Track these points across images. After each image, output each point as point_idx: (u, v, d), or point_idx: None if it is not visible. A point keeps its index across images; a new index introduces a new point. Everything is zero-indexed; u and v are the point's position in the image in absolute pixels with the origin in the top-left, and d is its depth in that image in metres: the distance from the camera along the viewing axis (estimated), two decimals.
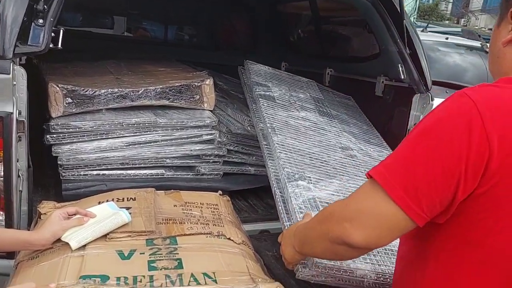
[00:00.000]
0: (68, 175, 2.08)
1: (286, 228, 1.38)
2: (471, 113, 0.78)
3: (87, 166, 2.11)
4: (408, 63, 2.14)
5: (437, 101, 2.03)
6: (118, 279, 1.15)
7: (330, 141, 2.01)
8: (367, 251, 0.98)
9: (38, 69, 2.35)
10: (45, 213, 1.51)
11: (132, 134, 2.16)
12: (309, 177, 1.67)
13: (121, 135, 2.14)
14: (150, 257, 1.26)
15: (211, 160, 2.35)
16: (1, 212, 1.60)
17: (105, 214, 1.37)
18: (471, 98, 0.79)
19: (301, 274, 1.24)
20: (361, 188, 0.90)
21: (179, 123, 2.24)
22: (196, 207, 1.61)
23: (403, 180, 0.82)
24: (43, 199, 1.63)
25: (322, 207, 1.49)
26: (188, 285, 1.16)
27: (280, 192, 1.60)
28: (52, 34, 1.60)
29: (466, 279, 0.87)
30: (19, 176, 1.61)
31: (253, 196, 2.45)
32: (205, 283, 1.17)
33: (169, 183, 2.14)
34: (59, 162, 2.06)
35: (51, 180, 2.21)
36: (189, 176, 2.32)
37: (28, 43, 1.56)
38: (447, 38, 5.15)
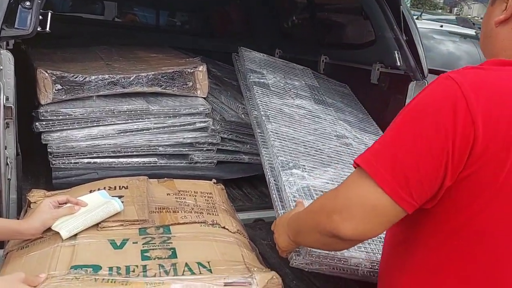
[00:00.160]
0: (59, 163, 2.05)
1: (279, 216, 1.37)
2: (456, 95, 0.77)
3: (77, 154, 2.08)
4: (405, 50, 2.11)
5: None
6: (111, 269, 1.13)
7: (325, 129, 1.99)
8: (358, 242, 0.97)
9: (26, 54, 2.30)
10: (34, 202, 1.48)
11: (124, 122, 2.13)
12: (304, 165, 1.65)
13: (112, 123, 2.11)
14: (143, 247, 1.24)
15: (204, 148, 2.33)
16: None
17: (97, 202, 1.34)
18: (455, 81, 0.78)
19: (295, 262, 1.23)
20: (349, 177, 0.88)
21: (171, 110, 2.21)
22: (190, 195, 1.59)
23: (391, 167, 0.80)
24: (32, 188, 1.61)
25: (316, 195, 1.48)
26: (183, 274, 1.14)
27: (274, 180, 1.59)
28: (40, 17, 1.56)
29: (453, 265, 0.86)
30: (7, 163, 1.59)
31: (247, 185, 2.44)
32: (200, 273, 1.15)
33: (162, 172, 2.11)
34: (49, 150, 2.02)
35: (41, 168, 2.17)
36: (182, 164, 2.30)
37: (15, 26, 1.52)
38: (441, 26, 5.14)
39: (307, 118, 2.02)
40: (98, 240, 1.25)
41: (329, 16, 3.13)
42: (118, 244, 1.24)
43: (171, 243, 1.28)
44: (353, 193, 0.84)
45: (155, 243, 1.26)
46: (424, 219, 0.87)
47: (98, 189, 1.47)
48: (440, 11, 20.04)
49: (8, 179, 1.60)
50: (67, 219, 1.26)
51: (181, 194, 1.59)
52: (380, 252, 1.32)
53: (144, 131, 2.17)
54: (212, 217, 1.45)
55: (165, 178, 1.70)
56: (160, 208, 1.46)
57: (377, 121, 2.30)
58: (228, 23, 3.92)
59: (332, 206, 0.87)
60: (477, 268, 0.85)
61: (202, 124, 2.27)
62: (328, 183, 1.61)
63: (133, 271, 1.13)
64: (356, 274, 1.27)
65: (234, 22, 3.87)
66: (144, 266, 1.15)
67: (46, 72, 2.00)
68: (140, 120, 2.15)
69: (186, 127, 2.24)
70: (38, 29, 1.57)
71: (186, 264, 1.18)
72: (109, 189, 1.49)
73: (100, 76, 2.12)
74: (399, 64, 2.14)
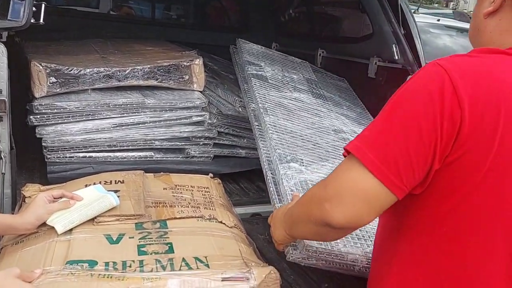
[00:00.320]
0: (53, 157, 2.03)
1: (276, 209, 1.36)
2: (443, 80, 0.79)
3: (72, 148, 2.06)
4: (403, 44, 2.11)
5: None
6: (107, 264, 1.12)
7: (323, 123, 1.98)
8: (350, 230, 0.97)
9: (20, 47, 2.27)
10: (29, 196, 1.46)
11: (120, 115, 2.11)
12: (301, 159, 1.64)
13: (108, 116, 2.09)
14: (139, 242, 1.23)
15: (201, 142, 2.31)
16: None
17: (93, 197, 1.32)
18: (442, 67, 0.80)
19: (291, 257, 1.22)
20: (339, 165, 0.88)
21: (168, 104, 2.19)
22: (187, 190, 1.58)
23: (381, 152, 0.80)
24: (27, 182, 1.59)
25: None
26: (180, 270, 1.13)
27: (271, 173, 1.57)
28: (34, 9, 1.54)
29: (443, 250, 0.86)
30: (1, 157, 1.57)
31: (244, 179, 2.43)
32: (197, 268, 1.14)
33: (158, 166, 2.10)
34: (43, 144, 2.00)
35: (35, 163, 2.15)
36: (178, 158, 2.29)
37: (8, 18, 1.50)
38: (438, 20, 5.13)
39: (305, 112, 2.01)
40: (94, 235, 1.23)
41: (326, 10, 3.11)
42: (114, 239, 1.22)
43: (168, 238, 1.26)
44: (343, 179, 0.84)
45: (151, 238, 1.25)
46: (413, 206, 0.87)
47: (94, 184, 1.45)
48: (436, 5, 20.03)
49: (2, 173, 1.58)
50: (62, 213, 1.24)
51: (178, 189, 1.57)
52: None
53: (140, 125, 2.15)
54: (209, 212, 1.44)
55: (162, 173, 1.68)
56: (157, 203, 1.44)
57: (375, 115, 2.28)
58: (225, 16, 3.89)
59: (322, 194, 0.87)
60: (453, 261, 0.86)
61: (199, 118, 2.26)
62: (325, 177, 1.60)
63: (130, 266, 1.12)
64: (352, 270, 1.27)
65: (231, 15, 3.84)
66: (141, 261, 1.14)
67: (41, 65, 1.98)
68: (136, 113, 2.14)
69: (182, 121, 2.23)
70: (32, 21, 1.55)
71: (183, 259, 1.16)
72: (105, 184, 1.47)
73: (95, 69, 2.10)
74: (397, 58, 2.13)
